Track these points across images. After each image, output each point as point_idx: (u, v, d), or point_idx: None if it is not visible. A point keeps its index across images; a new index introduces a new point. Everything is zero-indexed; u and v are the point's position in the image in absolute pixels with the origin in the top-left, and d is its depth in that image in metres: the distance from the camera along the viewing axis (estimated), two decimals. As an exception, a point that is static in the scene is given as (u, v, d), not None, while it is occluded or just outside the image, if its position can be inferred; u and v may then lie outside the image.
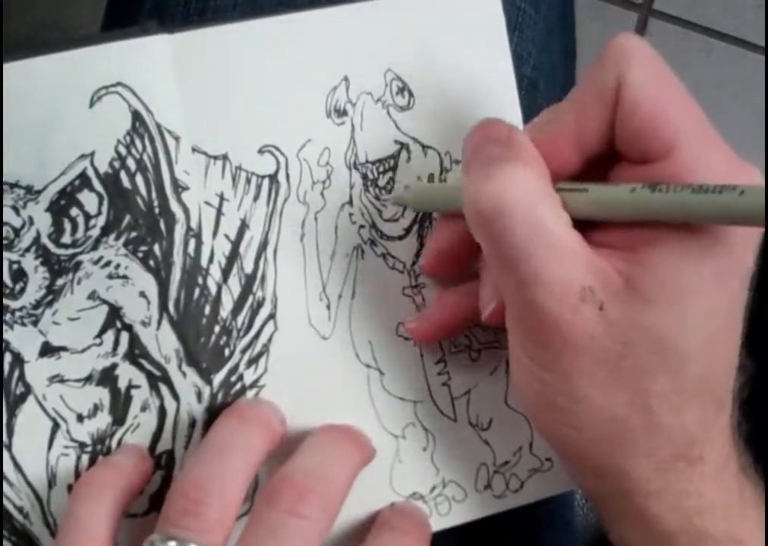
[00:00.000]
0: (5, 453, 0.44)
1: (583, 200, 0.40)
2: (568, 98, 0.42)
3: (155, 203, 0.44)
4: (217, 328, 0.45)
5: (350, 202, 0.47)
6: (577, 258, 0.39)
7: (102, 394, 0.44)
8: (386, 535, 0.45)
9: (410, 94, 0.47)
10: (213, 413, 0.45)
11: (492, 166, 0.39)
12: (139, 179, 0.43)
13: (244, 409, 0.45)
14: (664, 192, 0.38)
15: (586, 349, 0.39)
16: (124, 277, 0.44)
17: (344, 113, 0.47)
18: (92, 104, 0.43)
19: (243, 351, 0.46)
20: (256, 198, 0.46)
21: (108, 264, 0.44)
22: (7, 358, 0.44)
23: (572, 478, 0.45)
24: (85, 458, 0.44)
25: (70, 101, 0.42)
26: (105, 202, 0.43)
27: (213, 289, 0.45)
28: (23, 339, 0.44)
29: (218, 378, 0.45)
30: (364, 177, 0.47)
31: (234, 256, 0.45)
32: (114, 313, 0.44)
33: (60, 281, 0.44)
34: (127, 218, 0.44)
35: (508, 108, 0.49)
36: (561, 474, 0.50)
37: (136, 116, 0.43)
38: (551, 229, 0.38)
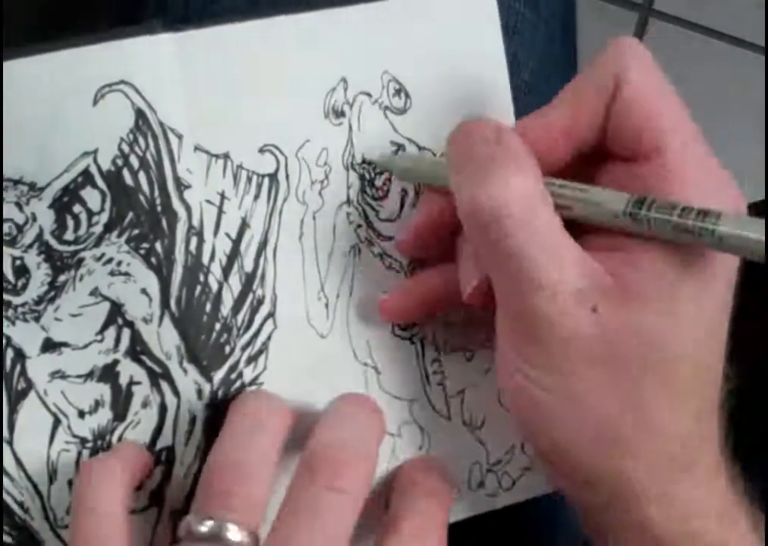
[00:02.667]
0: (6, 449, 0.44)
1: (574, 208, 0.41)
2: (564, 91, 0.43)
3: (158, 201, 0.44)
4: (218, 326, 0.45)
5: (348, 202, 0.47)
6: (571, 260, 0.39)
7: (103, 390, 0.45)
8: (410, 499, 0.45)
9: (407, 96, 0.48)
10: (213, 410, 0.45)
11: (487, 169, 0.40)
12: (142, 177, 0.44)
13: (260, 395, 0.45)
14: (645, 224, 0.39)
15: (579, 349, 0.39)
16: (126, 274, 0.44)
17: (342, 114, 0.47)
18: (95, 102, 0.43)
19: (243, 349, 0.46)
20: (256, 197, 0.46)
21: (110, 261, 0.44)
22: (9, 353, 0.44)
23: (565, 492, 0.44)
24: (86, 454, 0.45)
25: (74, 99, 0.43)
26: (108, 200, 0.43)
27: (214, 287, 0.45)
28: (24, 335, 0.44)
29: (218, 375, 0.45)
30: (361, 177, 0.47)
31: (234, 255, 0.46)
32: (116, 310, 0.44)
33: (62, 278, 0.44)
34: (130, 216, 0.44)
35: (502, 110, 0.49)
36: None
37: (139, 114, 0.43)
38: (546, 233, 0.39)
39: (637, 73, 0.41)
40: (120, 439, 0.45)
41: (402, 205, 0.48)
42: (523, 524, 0.56)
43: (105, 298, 0.44)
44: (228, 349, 0.46)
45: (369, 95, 0.47)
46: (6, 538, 0.44)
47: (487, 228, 0.39)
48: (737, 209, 0.41)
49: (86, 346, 0.44)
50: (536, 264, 0.39)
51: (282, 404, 0.45)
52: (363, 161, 0.47)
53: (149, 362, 0.45)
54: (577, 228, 0.41)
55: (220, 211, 0.45)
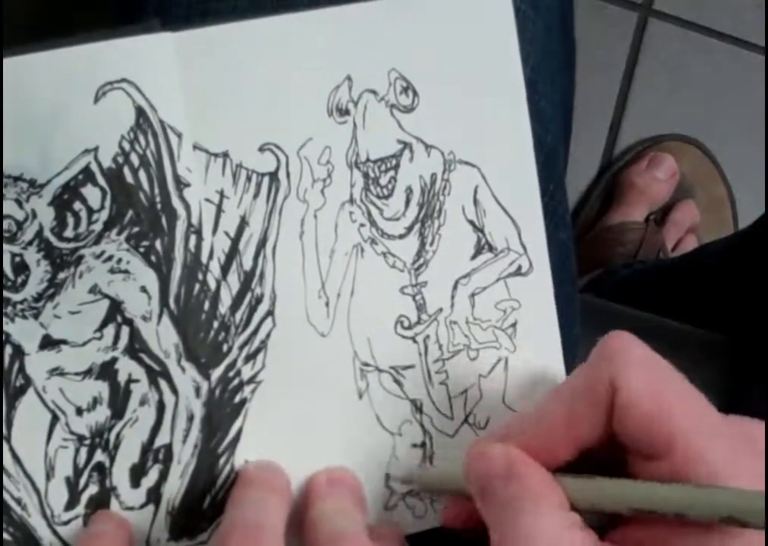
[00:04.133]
0: (4, 445, 0.44)
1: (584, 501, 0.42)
2: (556, 397, 0.43)
3: (158, 199, 0.44)
4: (215, 324, 0.45)
5: (351, 201, 0.47)
6: None
7: (102, 388, 0.45)
8: None
9: (415, 93, 0.48)
10: (211, 408, 0.45)
11: (508, 512, 0.41)
12: (142, 175, 0.44)
13: (264, 479, 0.46)
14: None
15: None
16: (126, 271, 0.44)
17: (346, 112, 0.47)
18: (96, 99, 0.43)
19: (242, 347, 0.46)
20: (255, 195, 0.46)
21: (109, 258, 0.44)
22: (8, 350, 0.44)
23: None
24: (83, 451, 0.45)
25: (75, 97, 0.43)
26: (108, 197, 0.43)
27: (212, 285, 0.45)
28: (23, 332, 0.44)
29: (216, 373, 0.45)
30: (365, 175, 0.47)
31: (233, 253, 0.46)
32: (115, 307, 0.44)
33: (61, 275, 0.44)
34: (130, 214, 0.44)
35: (515, 109, 0.49)
36: None
37: (140, 112, 0.43)
38: None
39: (629, 377, 0.40)
40: (118, 437, 0.45)
41: (408, 204, 0.48)
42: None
43: (105, 295, 0.44)
44: (225, 347, 0.46)
45: (374, 92, 0.47)
46: (3, 535, 0.44)
47: None
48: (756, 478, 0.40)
49: (84, 343, 0.44)
50: None
51: (286, 482, 0.46)
52: (368, 159, 0.47)
53: (147, 360, 0.45)
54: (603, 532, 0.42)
55: (219, 210, 0.45)
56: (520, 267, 0.50)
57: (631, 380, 0.40)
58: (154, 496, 0.45)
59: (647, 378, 0.41)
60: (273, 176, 0.46)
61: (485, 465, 0.43)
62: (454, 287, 0.49)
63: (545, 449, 0.43)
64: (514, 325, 0.50)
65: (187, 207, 0.44)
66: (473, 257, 0.49)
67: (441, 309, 0.49)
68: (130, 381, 0.45)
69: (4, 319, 0.44)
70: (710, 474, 0.39)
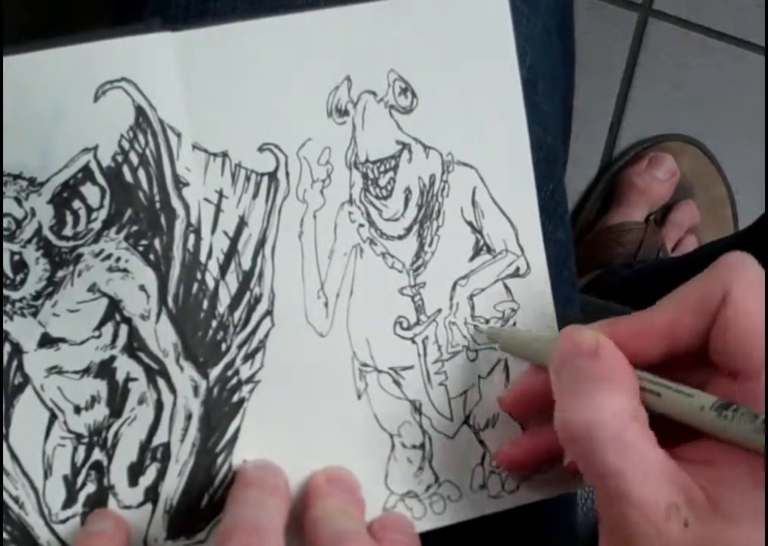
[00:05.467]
0: (3, 443, 0.44)
1: (658, 403, 0.42)
2: (668, 298, 0.44)
3: (157, 198, 0.44)
4: (214, 323, 0.45)
5: (350, 201, 0.47)
6: (663, 476, 0.40)
7: (100, 386, 0.45)
8: None
9: (414, 95, 0.48)
10: (209, 407, 0.45)
11: (583, 387, 0.41)
12: (141, 174, 0.44)
13: (263, 479, 0.46)
14: (729, 420, 0.40)
15: None
16: (125, 270, 0.44)
17: (346, 112, 0.47)
18: (96, 98, 0.43)
19: (240, 346, 0.46)
20: (255, 195, 0.46)
21: (108, 257, 0.44)
22: (6, 348, 0.44)
23: None
24: (81, 449, 0.45)
25: (75, 95, 0.43)
26: (107, 196, 0.44)
27: (211, 284, 0.45)
28: (22, 330, 0.44)
29: (214, 372, 0.45)
30: (365, 176, 0.47)
31: (232, 253, 0.46)
32: (114, 306, 0.44)
33: (60, 273, 0.44)
34: (129, 212, 0.44)
35: (513, 110, 0.49)
36: (559, 476, 0.50)
37: (139, 111, 0.43)
38: (639, 450, 0.40)
39: (743, 292, 0.41)
40: (116, 435, 0.45)
41: (407, 205, 0.48)
42: (523, 522, 0.56)
43: (103, 294, 0.44)
44: (224, 346, 0.46)
45: (374, 93, 0.47)
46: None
47: (580, 443, 0.40)
48: None
49: (83, 342, 0.44)
50: (627, 480, 0.39)
51: (284, 483, 0.46)
52: (367, 160, 0.47)
53: (146, 359, 0.45)
54: (669, 439, 0.41)
55: (218, 210, 0.45)
56: (518, 268, 0.50)
57: (744, 294, 0.41)
58: (152, 495, 0.45)
59: (758, 297, 0.41)
60: (272, 176, 0.46)
61: (572, 342, 0.43)
62: (453, 288, 0.49)
63: (636, 346, 0.43)
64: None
65: (186, 206, 0.44)
66: (472, 258, 0.49)
67: (440, 310, 0.49)
68: (128, 379, 0.45)
69: (3, 317, 0.44)
70: None
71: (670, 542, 0.39)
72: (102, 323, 0.44)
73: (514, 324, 0.50)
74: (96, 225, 0.44)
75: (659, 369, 0.43)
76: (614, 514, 0.40)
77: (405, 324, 0.48)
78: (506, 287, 0.50)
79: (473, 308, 0.49)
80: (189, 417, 0.45)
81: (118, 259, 0.44)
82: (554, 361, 0.43)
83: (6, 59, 0.42)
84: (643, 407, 0.41)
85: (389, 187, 0.48)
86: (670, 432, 0.41)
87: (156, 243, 0.44)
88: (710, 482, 0.40)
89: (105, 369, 0.45)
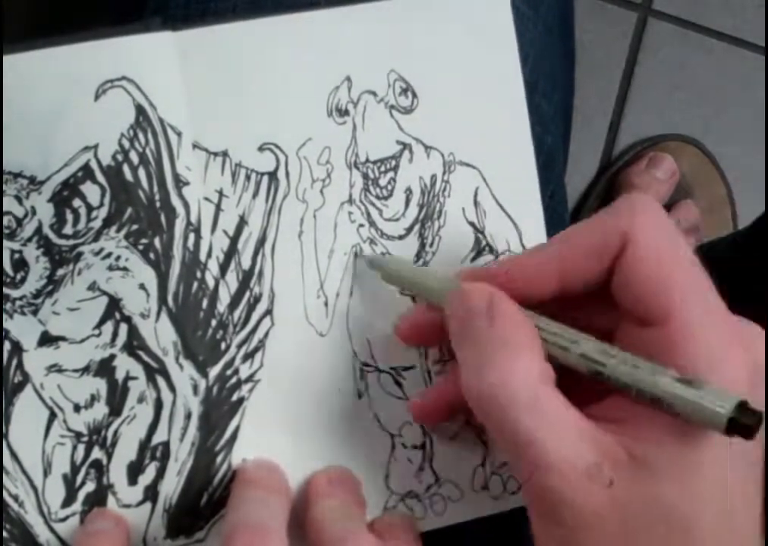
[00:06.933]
0: (3, 442, 0.44)
1: (568, 357, 0.41)
2: (560, 238, 0.42)
3: (157, 197, 0.44)
4: (214, 322, 0.45)
5: (350, 201, 0.47)
6: (580, 436, 0.39)
7: (100, 385, 0.45)
8: None
9: (414, 95, 0.48)
10: (209, 406, 0.45)
11: (486, 351, 0.40)
12: (141, 172, 0.44)
13: (264, 479, 0.46)
14: (629, 367, 0.39)
15: (598, 527, 0.38)
16: (125, 269, 0.44)
17: (346, 112, 0.47)
18: (97, 97, 0.43)
19: (240, 345, 0.46)
20: (255, 195, 0.46)
21: (108, 255, 0.44)
22: (6, 346, 0.44)
23: None
24: (81, 448, 0.45)
25: (76, 94, 0.43)
26: (108, 195, 0.44)
27: (211, 283, 0.45)
28: (22, 328, 0.44)
29: (213, 371, 0.45)
30: (365, 176, 0.47)
31: (231, 252, 0.46)
32: (114, 304, 0.44)
33: (60, 272, 0.44)
34: (129, 211, 0.44)
35: (515, 110, 0.49)
36: None
37: (140, 110, 0.43)
38: (553, 413, 0.39)
39: (644, 234, 0.40)
40: (115, 434, 0.45)
41: (407, 205, 0.48)
42: (523, 521, 0.56)
43: (103, 292, 0.44)
44: (224, 345, 0.46)
45: (374, 93, 0.47)
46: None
47: (491, 412, 0.39)
48: (738, 379, 0.39)
49: (83, 340, 0.44)
50: (545, 445, 0.38)
51: (285, 482, 0.46)
52: (367, 160, 0.47)
53: (145, 358, 0.45)
54: (583, 399, 0.40)
55: (218, 209, 0.45)
56: None
57: (646, 236, 0.40)
58: (151, 493, 0.45)
59: (661, 240, 0.40)
60: (272, 175, 0.46)
61: (465, 307, 0.42)
62: None
63: (528, 286, 0.42)
64: None
65: (186, 205, 0.44)
66: (474, 259, 0.49)
67: None
68: (128, 378, 0.45)
69: (3, 315, 0.44)
70: (698, 355, 0.39)
71: (595, 503, 0.38)
72: (101, 321, 0.44)
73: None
74: (96, 224, 0.44)
75: (561, 313, 0.42)
76: (535, 483, 0.39)
77: None
78: None
79: None
80: (188, 416, 0.45)
81: (118, 258, 0.44)
82: (450, 325, 0.42)
83: (6, 58, 0.42)
84: (550, 365, 0.40)
85: (390, 187, 0.48)
86: (576, 392, 0.40)
87: (156, 241, 0.44)
88: (630, 440, 0.38)
89: (104, 368, 0.45)
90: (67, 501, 0.45)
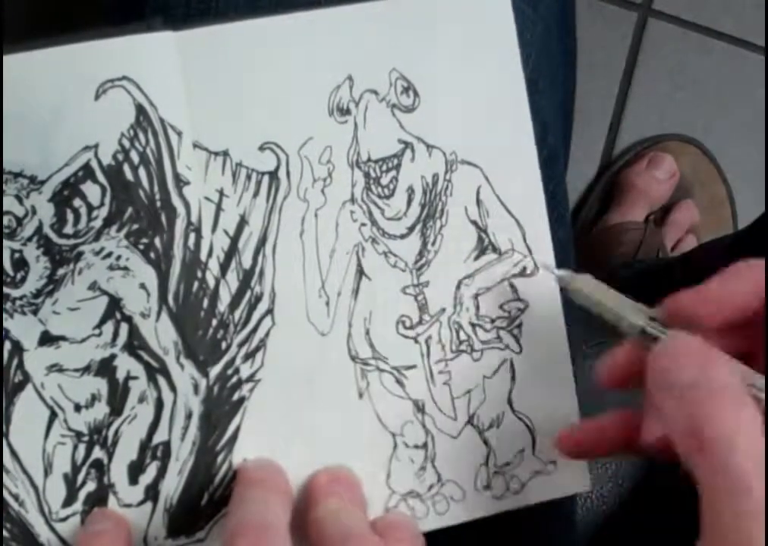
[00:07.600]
0: (3, 441, 0.44)
1: None
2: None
3: (157, 197, 0.44)
4: (214, 322, 0.45)
5: (352, 200, 0.47)
6: None
7: (100, 385, 0.45)
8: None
9: (416, 94, 0.48)
10: (209, 406, 0.45)
11: (704, 400, 0.40)
12: (141, 172, 0.44)
13: (265, 478, 0.46)
14: None
15: None
16: (125, 268, 0.44)
17: (347, 111, 0.47)
18: (97, 96, 0.43)
19: (240, 345, 0.46)
20: (255, 194, 0.46)
21: (109, 255, 0.44)
22: (7, 346, 0.44)
23: None
24: (81, 447, 0.45)
25: (76, 94, 0.43)
26: (108, 194, 0.44)
27: (211, 283, 0.45)
28: (22, 327, 0.44)
29: (214, 370, 0.45)
30: (366, 175, 0.47)
31: (232, 251, 0.46)
32: (114, 304, 0.44)
33: (61, 271, 0.44)
34: (129, 211, 0.44)
35: (517, 108, 0.49)
36: (564, 477, 0.50)
37: (140, 110, 0.43)
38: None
39: None
40: (116, 434, 0.45)
41: (409, 204, 0.48)
42: (523, 520, 0.56)
43: (104, 292, 0.44)
44: (224, 344, 0.46)
45: (375, 93, 0.47)
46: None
47: (712, 455, 0.39)
48: None
49: (83, 340, 0.44)
50: (762, 492, 0.38)
51: (286, 481, 0.46)
52: (369, 159, 0.47)
53: (146, 357, 0.45)
54: None
55: (218, 209, 0.45)
56: (525, 268, 0.50)
57: None
58: (152, 493, 0.45)
59: None
60: (273, 175, 0.46)
61: (674, 365, 0.41)
62: (458, 288, 0.49)
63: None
64: (519, 326, 0.50)
65: (187, 205, 0.44)
66: (477, 258, 0.49)
67: (443, 310, 0.49)
68: (128, 378, 0.45)
69: (4, 315, 0.44)
70: None
71: None
72: (102, 321, 0.44)
73: (521, 324, 0.50)
74: (97, 223, 0.44)
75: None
76: (739, 528, 0.38)
77: (408, 324, 0.48)
78: (512, 286, 0.50)
79: (477, 307, 0.49)
80: (189, 415, 0.45)
81: (119, 257, 0.44)
82: (653, 381, 0.42)
83: (6, 58, 0.42)
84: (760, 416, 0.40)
85: (391, 186, 0.48)
86: None
87: (157, 241, 0.44)
88: None
89: (105, 367, 0.45)
90: (68, 501, 0.45)
